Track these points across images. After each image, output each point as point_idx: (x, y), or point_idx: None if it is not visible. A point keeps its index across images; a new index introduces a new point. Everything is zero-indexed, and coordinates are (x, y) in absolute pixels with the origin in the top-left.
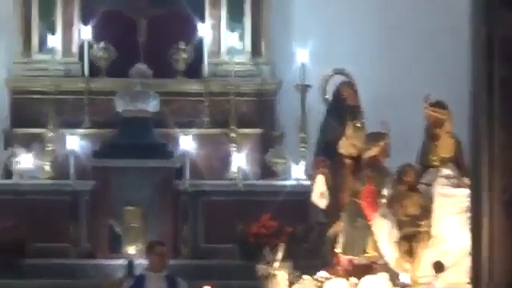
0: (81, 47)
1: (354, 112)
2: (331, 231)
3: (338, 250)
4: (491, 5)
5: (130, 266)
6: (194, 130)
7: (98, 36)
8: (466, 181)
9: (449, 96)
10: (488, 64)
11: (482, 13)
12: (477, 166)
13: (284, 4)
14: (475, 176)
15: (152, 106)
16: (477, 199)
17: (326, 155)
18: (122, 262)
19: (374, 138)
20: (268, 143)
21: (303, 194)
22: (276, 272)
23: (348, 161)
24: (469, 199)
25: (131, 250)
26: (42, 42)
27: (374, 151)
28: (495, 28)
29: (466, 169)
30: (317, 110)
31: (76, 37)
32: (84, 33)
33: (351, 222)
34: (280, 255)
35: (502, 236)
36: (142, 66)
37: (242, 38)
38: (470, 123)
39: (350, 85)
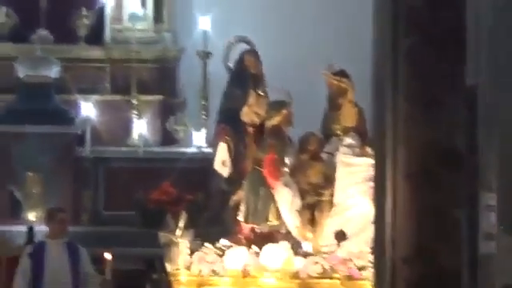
0: None
1: (257, 80)
2: (233, 199)
3: (240, 218)
4: None
5: (31, 232)
6: (96, 97)
7: None
8: (369, 150)
9: (353, 63)
10: (393, 32)
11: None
12: (380, 138)
13: None
14: (379, 147)
15: (53, 71)
16: (380, 170)
17: (229, 123)
18: (22, 228)
19: (277, 106)
20: (169, 110)
21: (204, 161)
22: (178, 240)
23: (250, 129)
24: (371, 168)
25: (32, 216)
26: None
27: (276, 120)
28: None
29: (368, 138)
30: (218, 77)
31: None
32: None
33: (253, 190)
34: (182, 223)
35: (405, 206)
36: (43, 32)
37: (144, 4)
38: (374, 94)
39: (252, 53)
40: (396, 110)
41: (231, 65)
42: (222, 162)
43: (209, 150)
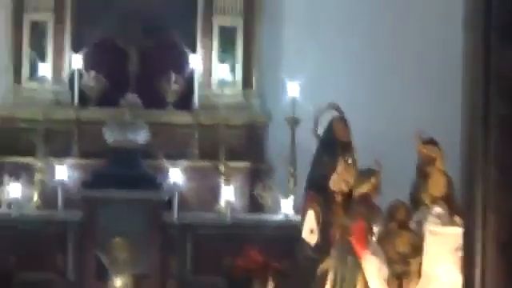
0: (71, 76)
1: (346, 148)
2: (321, 268)
3: (328, 286)
4: (488, 40)
5: None
6: (183, 162)
7: (88, 65)
8: (457, 219)
9: (441, 133)
10: (485, 102)
11: (480, 49)
12: (470, 207)
13: (275, 36)
14: (468, 216)
15: (141, 136)
16: (470, 240)
17: (317, 191)
18: None
19: (366, 174)
20: (257, 177)
21: (291, 228)
22: None
23: (339, 197)
24: (460, 238)
25: (117, 282)
26: (33, 70)
27: (365, 188)
28: (493, 65)
29: (456, 207)
30: (306, 144)
31: (67, 65)
32: (75, 61)
33: (341, 258)
34: None
35: (495, 276)
36: (132, 96)
37: (232, 69)
38: (464, 162)
39: (342, 120)
40: (486, 178)
41: (320, 132)
42: (310, 230)
43: (296, 217)
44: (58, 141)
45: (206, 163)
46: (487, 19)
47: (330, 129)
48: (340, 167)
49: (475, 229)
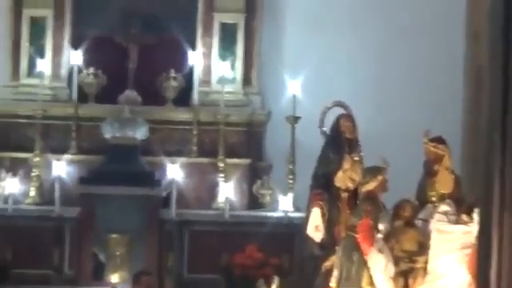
0: (70, 72)
1: (352, 145)
2: (325, 265)
3: (333, 284)
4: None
5: None
6: (182, 159)
7: (87, 61)
8: (464, 217)
9: (444, 131)
10: (503, 101)
11: (500, 43)
12: (487, 203)
13: (276, 34)
14: (485, 214)
15: (140, 133)
16: (486, 237)
17: (323, 188)
18: None
19: (373, 172)
20: (256, 174)
21: (290, 226)
22: None
23: (344, 194)
24: (466, 236)
25: (114, 278)
26: (31, 65)
27: (371, 185)
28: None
29: (464, 205)
30: (306, 142)
31: (65, 62)
32: (74, 58)
33: (347, 255)
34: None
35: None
36: (131, 93)
37: (233, 67)
38: (483, 162)
39: (348, 117)
40: (504, 175)
41: (326, 129)
42: (316, 227)
43: (295, 214)
44: (56, 137)
45: (204, 160)
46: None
47: (336, 126)
48: (346, 164)
49: (492, 227)
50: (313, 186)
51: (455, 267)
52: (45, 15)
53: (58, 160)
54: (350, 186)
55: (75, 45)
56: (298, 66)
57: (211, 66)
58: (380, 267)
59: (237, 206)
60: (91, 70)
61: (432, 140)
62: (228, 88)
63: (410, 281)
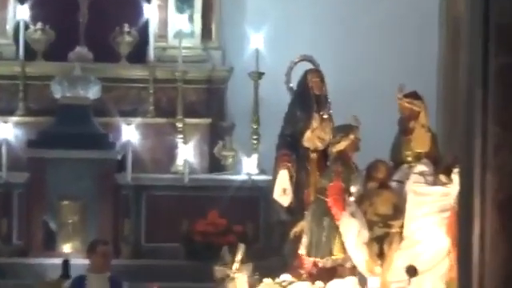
0: (16, 28)
1: (321, 102)
2: (294, 231)
3: (302, 251)
4: None
5: (66, 265)
6: (138, 120)
7: (34, 16)
8: (442, 178)
9: (419, 87)
10: (483, 54)
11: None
12: (468, 165)
13: None
14: (466, 175)
15: (92, 92)
16: (467, 199)
17: (290, 149)
18: (56, 261)
19: (343, 130)
20: (217, 135)
21: (254, 189)
22: (235, 274)
23: (313, 155)
24: (444, 198)
25: (67, 247)
26: None
27: (342, 145)
28: (491, 13)
29: (442, 164)
30: (270, 99)
31: (11, 17)
32: (20, 12)
33: (316, 221)
34: (240, 256)
35: (495, 238)
36: (82, 50)
37: (191, 19)
38: (463, 119)
39: (316, 72)
40: (485, 135)
41: (293, 85)
42: (283, 191)
43: (260, 177)
44: (1, 97)
45: (162, 120)
46: None
47: (303, 82)
48: (315, 123)
49: (473, 188)
50: (279, 147)
51: (433, 231)
52: None
53: (5, 122)
54: (320, 145)
55: None
56: (261, 17)
57: (167, 20)
58: (352, 233)
59: (197, 169)
60: (39, 25)
61: (407, 95)
62: (186, 43)
63: (385, 247)
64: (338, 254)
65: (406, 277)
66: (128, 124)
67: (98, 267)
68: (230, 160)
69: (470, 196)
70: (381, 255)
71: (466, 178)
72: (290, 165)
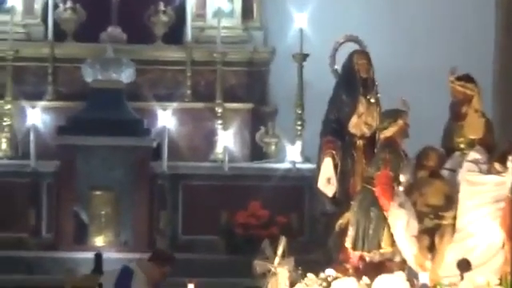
0: (44, 7)
1: (368, 86)
2: (339, 223)
3: (348, 244)
4: None
5: (98, 259)
6: (175, 104)
7: None
8: (498, 166)
9: (474, 70)
10: None
11: None
12: None
13: None
14: None
15: (126, 75)
16: None
17: (335, 135)
18: (88, 255)
19: (392, 115)
20: (259, 120)
21: (299, 178)
22: (276, 269)
23: (360, 142)
24: (500, 188)
25: (99, 241)
26: (1, 0)
27: (390, 131)
28: None
29: (496, 152)
30: (315, 82)
31: None
32: None
33: (363, 212)
34: (281, 250)
35: None
36: (114, 30)
37: None
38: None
39: (363, 54)
40: None
41: (338, 68)
42: (327, 180)
43: (305, 165)
44: (29, 81)
45: (200, 105)
46: None
47: (349, 64)
48: (361, 107)
49: None
50: (323, 133)
51: (487, 224)
52: None
53: (33, 107)
54: (366, 132)
55: None
56: None
57: None
58: (401, 225)
59: (238, 157)
60: (69, 3)
61: (459, 78)
62: (225, 22)
63: (437, 240)
64: (386, 248)
65: (458, 272)
66: (164, 109)
67: (152, 278)
68: (273, 147)
69: None
70: (432, 248)
71: None
72: (334, 152)
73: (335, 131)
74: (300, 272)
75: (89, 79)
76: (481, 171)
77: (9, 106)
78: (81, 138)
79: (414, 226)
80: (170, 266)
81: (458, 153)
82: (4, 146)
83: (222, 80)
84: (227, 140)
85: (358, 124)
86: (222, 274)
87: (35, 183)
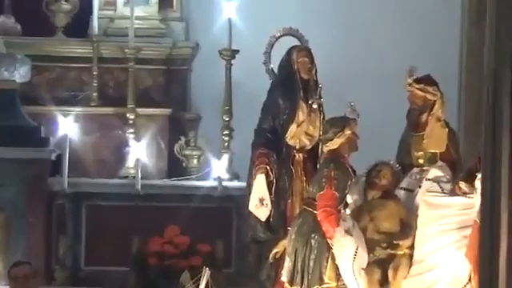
0: None
1: (309, 88)
2: (274, 252)
3: (284, 278)
4: None
5: None
6: (78, 109)
7: None
8: (463, 186)
9: (431, 70)
10: None
11: None
12: (493, 167)
13: None
14: (490, 180)
15: (20, 74)
16: (491, 210)
17: (270, 147)
18: None
19: (338, 124)
20: (178, 129)
21: (226, 199)
22: None
23: (299, 155)
24: (466, 211)
25: None
26: None
27: (336, 143)
28: None
29: (462, 170)
30: (246, 84)
31: None
32: None
33: (303, 239)
34: (204, 284)
35: None
36: (7, 20)
37: None
38: (487, 112)
39: (304, 51)
40: None
41: (274, 67)
42: (260, 201)
43: (233, 183)
44: None
45: (108, 110)
46: None
47: (287, 62)
48: (301, 114)
49: (501, 196)
50: (255, 145)
51: (451, 254)
52: None
53: None
54: (307, 143)
55: None
56: None
57: None
58: (348, 255)
59: (152, 173)
60: None
61: (418, 81)
62: (139, 12)
63: (390, 272)
64: (329, 282)
65: None
66: (65, 115)
67: None
68: (195, 161)
69: (496, 209)
70: (384, 283)
71: (490, 182)
72: (269, 168)
73: (270, 142)
74: None
75: None
76: (443, 191)
77: None
78: None
79: (364, 256)
80: (13, 267)
81: (416, 169)
82: None
83: (135, 81)
84: (140, 152)
85: (298, 134)
86: None
87: None
